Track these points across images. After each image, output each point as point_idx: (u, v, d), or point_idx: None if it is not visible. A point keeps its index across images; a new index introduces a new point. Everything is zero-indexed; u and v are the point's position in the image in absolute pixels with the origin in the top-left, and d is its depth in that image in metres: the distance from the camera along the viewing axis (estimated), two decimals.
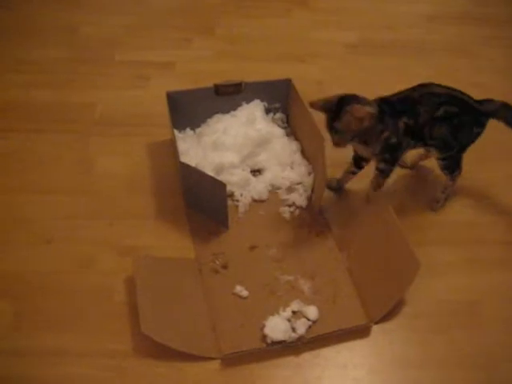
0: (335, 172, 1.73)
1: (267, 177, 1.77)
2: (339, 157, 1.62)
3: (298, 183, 1.77)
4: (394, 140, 1.54)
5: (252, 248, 1.60)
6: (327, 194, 1.62)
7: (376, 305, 1.46)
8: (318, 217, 1.68)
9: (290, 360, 1.39)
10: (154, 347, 1.35)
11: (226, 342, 1.39)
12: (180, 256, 1.58)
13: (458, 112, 1.57)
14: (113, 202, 1.73)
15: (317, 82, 2.19)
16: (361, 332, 1.44)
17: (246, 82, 1.84)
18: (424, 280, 1.46)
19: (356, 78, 2.24)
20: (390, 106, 1.52)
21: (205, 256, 1.58)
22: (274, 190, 1.76)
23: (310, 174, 1.77)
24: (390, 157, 1.58)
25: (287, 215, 1.69)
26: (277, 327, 1.39)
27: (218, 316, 1.45)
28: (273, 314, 1.43)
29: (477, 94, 1.54)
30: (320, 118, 1.66)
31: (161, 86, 1.84)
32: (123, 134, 1.95)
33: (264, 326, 1.40)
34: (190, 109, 1.83)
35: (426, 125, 1.55)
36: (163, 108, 1.76)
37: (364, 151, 1.61)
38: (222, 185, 1.54)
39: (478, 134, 1.63)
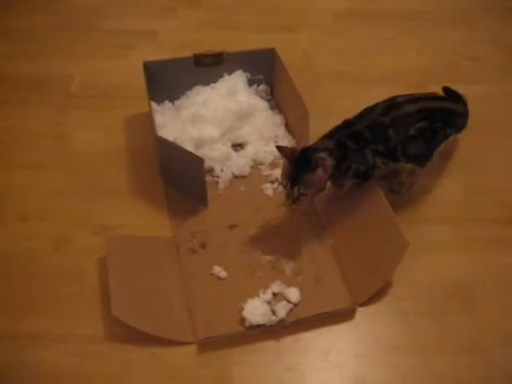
0: None
1: (249, 151, 1.69)
2: (324, 130, 1.55)
3: (282, 158, 1.69)
4: (363, 168, 1.47)
5: (232, 227, 1.53)
6: None
7: (361, 286, 1.39)
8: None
9: (270, 345, 1.32)
10: (127, 331, 1.28)
11: (202, 325, 1.33)
12: (156, 235, 1.51)
13: (430, 124, 1.50)
14: (89, 178, 1.66)
15: (303, 52, 2.12)
16: (345, 315, 1.37)
17: (227, 51, 1.76)
18: (413, 260, 1.40)
19: (343, 48, 2.16)
20: (355, 139, 1.45)
21: (182, 235, 1.51)
22: (256, 165, 1.69)
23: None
24: (364, 176, 1.50)
25: (270, 192, 1.63)
26: (256, 310, 1.33)
27: (195, 298, 1.38)
28: (252, 297, 1.36)
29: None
30: (305, 90, 1.60)
31: (142, 56, 1.76)
32: (102, 107, 1.88)
33: (243, 308, 1.34)
34: (169, 80, 1.76)
35: (398, 145, 1.48)
36: (143, 79, 1.69)
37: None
38: (200, 160, 1.46)
39: (451, 134, 1.58)
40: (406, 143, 1.49)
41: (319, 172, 1.38)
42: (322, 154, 1.38)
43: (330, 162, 1.38)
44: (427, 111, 1.51)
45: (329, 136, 1.46)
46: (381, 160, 1.49)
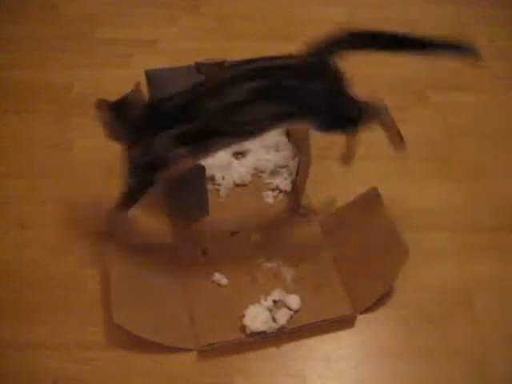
0: (321, 154, 1.64)
1: (250, 160, 1.70)
2: (325, 139, 1.55)
3: (283, 166, 1.70)
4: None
5: (233, 234, 1.54)
6: (312, 177, 1.55)
7: (362, 294, 1.39)
8: (302, 201, 1.61)
9: (271, 351, 1.33)
10: (128, 338, 1.28)
11: (203, 332, 1.33)
12: (157, 241, 1.51)
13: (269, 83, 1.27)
14: (89, 186, 1.66)
15: None
16: (346, 322, 1.38)
17: (228, 60, 1.76)
18: (413, 267, 1.39)
19: (343, 57, 2.15)
20: (157, 117, 1.27)
21: (183, 241, 1.51)
22: (257, 173, 1.70)
23: (295, 156, 1.70)
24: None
25: (271, 199, 1.63)
26: (257, 317, 1.33)
27: (196, 305, 1.38)
28: (253, 304, 1.36)
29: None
30: None
31: (142, 64, 1.75)
32: None
33: (244, 315, 1.34)
34: (171, 88, 1.75)
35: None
36: (144, 88, 1.68)
37: None
38: (201, 168, 1.46)
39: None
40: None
41: None
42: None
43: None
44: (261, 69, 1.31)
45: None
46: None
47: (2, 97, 1.94)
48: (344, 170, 1.61)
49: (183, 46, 2.17)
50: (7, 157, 1.74)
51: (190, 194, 1.55)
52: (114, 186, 1.64)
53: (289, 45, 2.18)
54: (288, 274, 1.45)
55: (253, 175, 1.69)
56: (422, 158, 1.76)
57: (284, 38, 2.25)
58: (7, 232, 1.55)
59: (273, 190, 1.65)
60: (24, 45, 2.15)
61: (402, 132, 1.71)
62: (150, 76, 1.69)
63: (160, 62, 1.83)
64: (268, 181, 1.67)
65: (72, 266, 1.47)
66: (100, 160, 1.72)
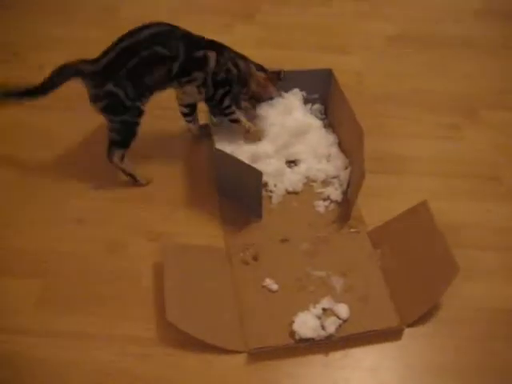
0: (374, 167, 1.66)
1: (302, 168, 1.72)
2: (378, 151, 1.56)
3: (334, 177, 1.72)
4: None
5: (284, 241, 1.56)
6: (363, 189, 1.56)
7: (409, 307, 1.41)
8: (353, 212, 1.62)
9: (319, 358, 1.35)
10: (179, 336, 1.32)
11: (253, 335, 1.36)
12: (210, 244, 1.55)
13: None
14: (144, 187, 1.71)
15: (357, 74, 2.16)
16: (392, 334, 1.39)
17: (285, 70, 1.79)
18: (461, 284, 1.41)
19: (395, 71, 2.20)
20: None
21: (235, 246, 1.54)
22: (308, 182, 1.72)
23: (346, 167, 1.72)
24: None
25: (321, 209, 1.65)
26: (306, 324, 1.35)
27: (247, 309, 1.41)
28: (302, 310, 1.39)
29: None
30: (357, 110, 1.62)
31: None
32: (158, 118, 1.90)
33: (293, 321, 1.36)
34: None
35: None
36: None
37: None
38: (258, 173, 1.50)
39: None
40: None
41: None
42: None
43: None
44: None
45: None
46: None
47: (60, 96, 1.95)
48: (394, 184, 1.64)
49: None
50: (65, 152, 1.79)
51: (246, 197, 1.59)
52: (170, 186, 1.69)
53: (342, 56, 2.24)
54: (337, 283, 1.47)
55: (304, 184, 1.71)
56: (472, 176, 1.78)
57: (337, 50, 2.29)
58: (65, 226, 1.60)
59: (324, 199, 1.67)
60: (83, 47, 2.16)
61: (452, 149, 1.73)
62: None
63: None
64: (319, 190, 1.70)
65: (126, 263, 1.51)
66: (154, 160, 1.77)
